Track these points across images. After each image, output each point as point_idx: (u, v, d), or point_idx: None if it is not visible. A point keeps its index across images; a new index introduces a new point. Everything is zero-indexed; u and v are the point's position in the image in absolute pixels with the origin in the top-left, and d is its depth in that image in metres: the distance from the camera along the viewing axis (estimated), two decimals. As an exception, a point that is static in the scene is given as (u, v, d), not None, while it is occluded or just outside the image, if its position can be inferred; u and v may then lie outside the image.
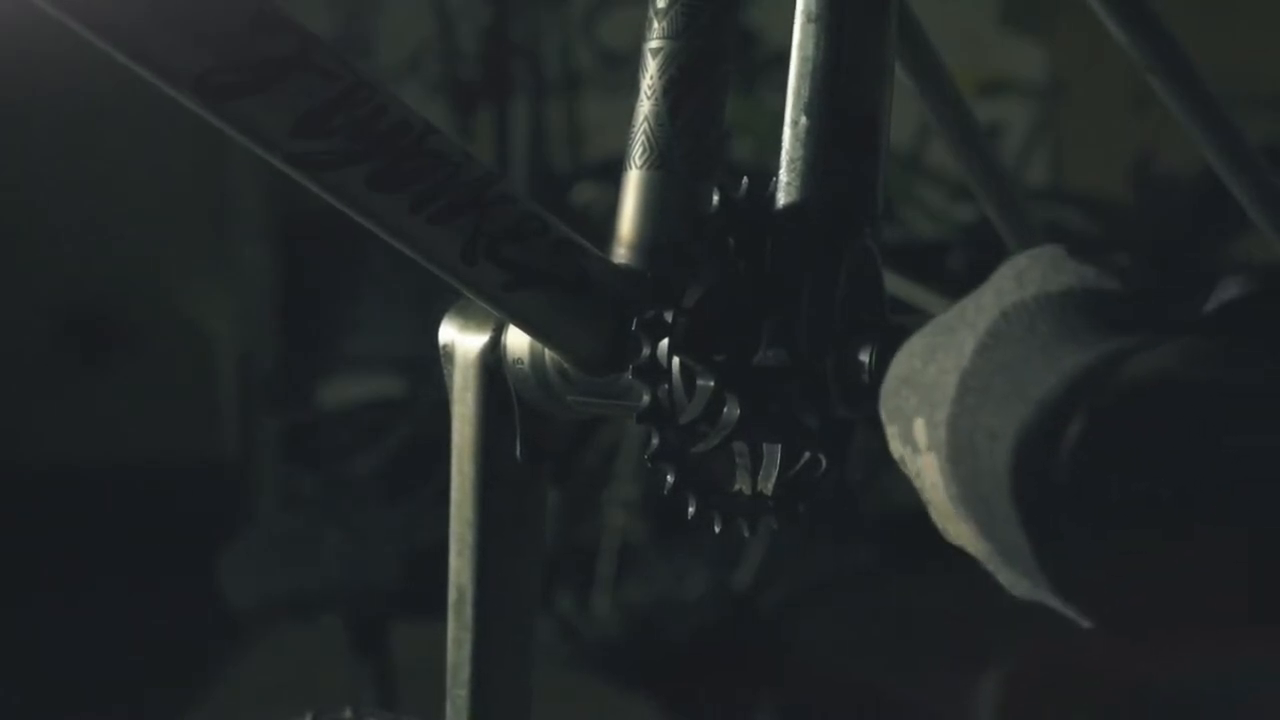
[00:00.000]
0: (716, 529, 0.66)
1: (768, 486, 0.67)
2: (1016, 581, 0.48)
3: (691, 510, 0.65)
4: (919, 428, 0.50)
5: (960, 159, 1.02)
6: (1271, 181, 0.96)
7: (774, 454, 0.67)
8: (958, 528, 0.49)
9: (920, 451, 0.50)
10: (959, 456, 0.48)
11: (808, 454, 0.68)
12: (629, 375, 0.63)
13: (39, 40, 0.80)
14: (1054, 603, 0.48)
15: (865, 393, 0.65)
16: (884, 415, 0.53)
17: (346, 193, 0.57)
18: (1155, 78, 0.92)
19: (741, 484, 0.67)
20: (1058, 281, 0.49)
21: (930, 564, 3.08)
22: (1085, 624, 0.48)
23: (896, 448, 0.52)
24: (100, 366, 3.53)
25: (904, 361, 0.52)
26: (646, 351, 0.63)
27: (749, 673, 2.62)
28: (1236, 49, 3.14)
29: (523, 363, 0.68)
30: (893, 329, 0.67)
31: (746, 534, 0.67)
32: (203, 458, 3.51)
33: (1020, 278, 0.50)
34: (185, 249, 3.57)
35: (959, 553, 0.52)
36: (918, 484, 0.51)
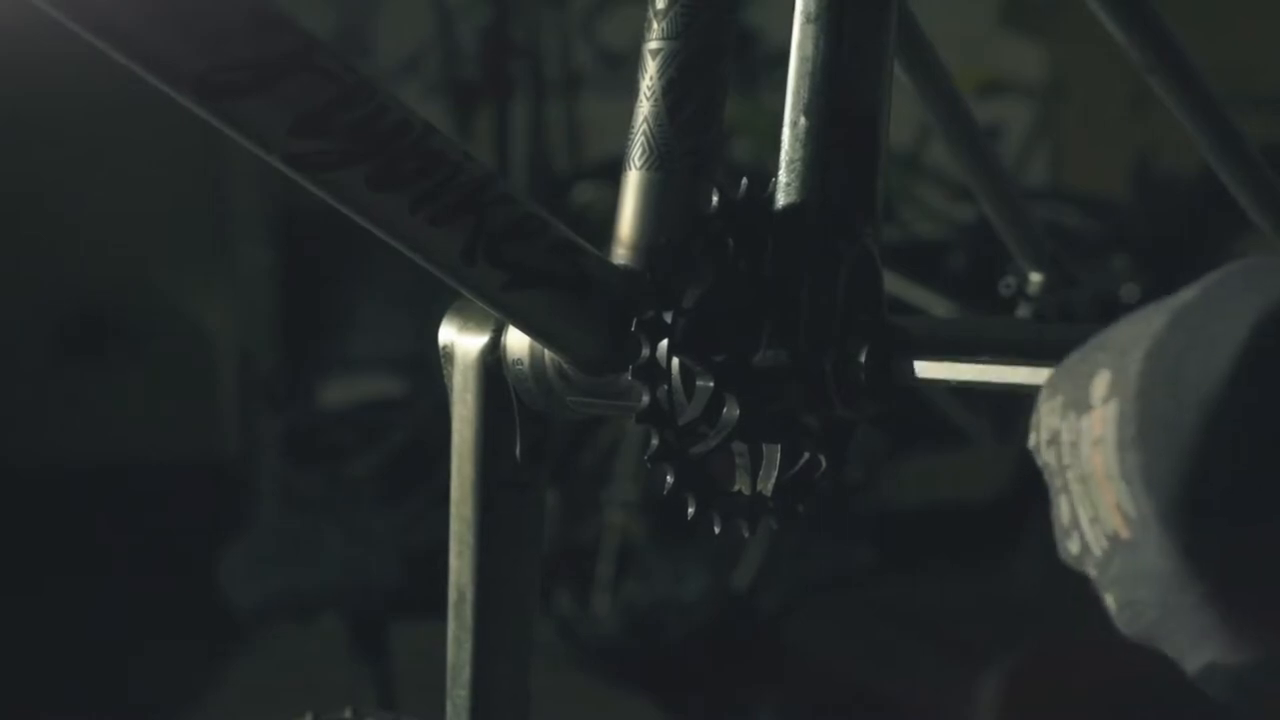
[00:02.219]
0: (716, 529, 0.66)
1: (767, 487, 0.67)
2: (1171, 549, 0.45)
3: (691, 510, 0.65)
4: (1100, 381, 0.47)
5: (960, 159, 1.02)
6: (1271, 181, 0.96)
7: (773, 454, 0.67)
8: (1116, 488, 0.46)
9: (1092, 409, 0.47)
10: (1156, 385, 0.45)
11: (807, 454, 0.68)
12: (629, 376, 0.63)
13: (39, 40, 0.80)
14: (1212, 569, 0.44)
15: (865, 393, 0.65)
16: (1045, 391, 0.50)
17: (346, 193, 0.57)
18: (1155, 78, 0.92)
19: (741, 484, 0.67)
20: (1257, 263, 0.46)
21: (929, 564, 3.08)
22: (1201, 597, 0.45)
23: (1051, 423, 0.49)
24: (100, 366, 3.53)
25: (1095, 337, 0.50)
26: (646, 352, 0.62)
27: (748, 673, 2.62)
28: (1236, 49, 3.14)
29: (522, 363, 0.68)
30: (892, 329, 0.67)
31: (746, 534, 0.67)
32: (203, 458, 3.51)
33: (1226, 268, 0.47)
34: (185, 249, 3.57)
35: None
36: (1070, 454, 0.48)
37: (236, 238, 3.63)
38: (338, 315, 3.75)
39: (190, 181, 3.51)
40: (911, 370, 0.64)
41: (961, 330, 0.94)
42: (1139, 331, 0.47)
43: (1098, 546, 0.48)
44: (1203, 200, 3.21)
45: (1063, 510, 0.49)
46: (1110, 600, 0.48)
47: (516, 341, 0.68)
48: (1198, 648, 0.46)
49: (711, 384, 0.64)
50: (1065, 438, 0.49)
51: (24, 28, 0.60)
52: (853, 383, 0.65)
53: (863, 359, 0.64)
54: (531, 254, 0.61)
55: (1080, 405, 0.48)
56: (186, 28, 0.52)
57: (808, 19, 0.67)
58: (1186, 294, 0.46)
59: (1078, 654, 2.33)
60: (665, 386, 0.63)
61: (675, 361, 0.63)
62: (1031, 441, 0.51)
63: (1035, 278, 1.09)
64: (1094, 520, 0.48)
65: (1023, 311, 1.08)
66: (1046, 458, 0.50)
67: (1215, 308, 0.45)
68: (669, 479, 0.64)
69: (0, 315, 3.47)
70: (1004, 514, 3.08)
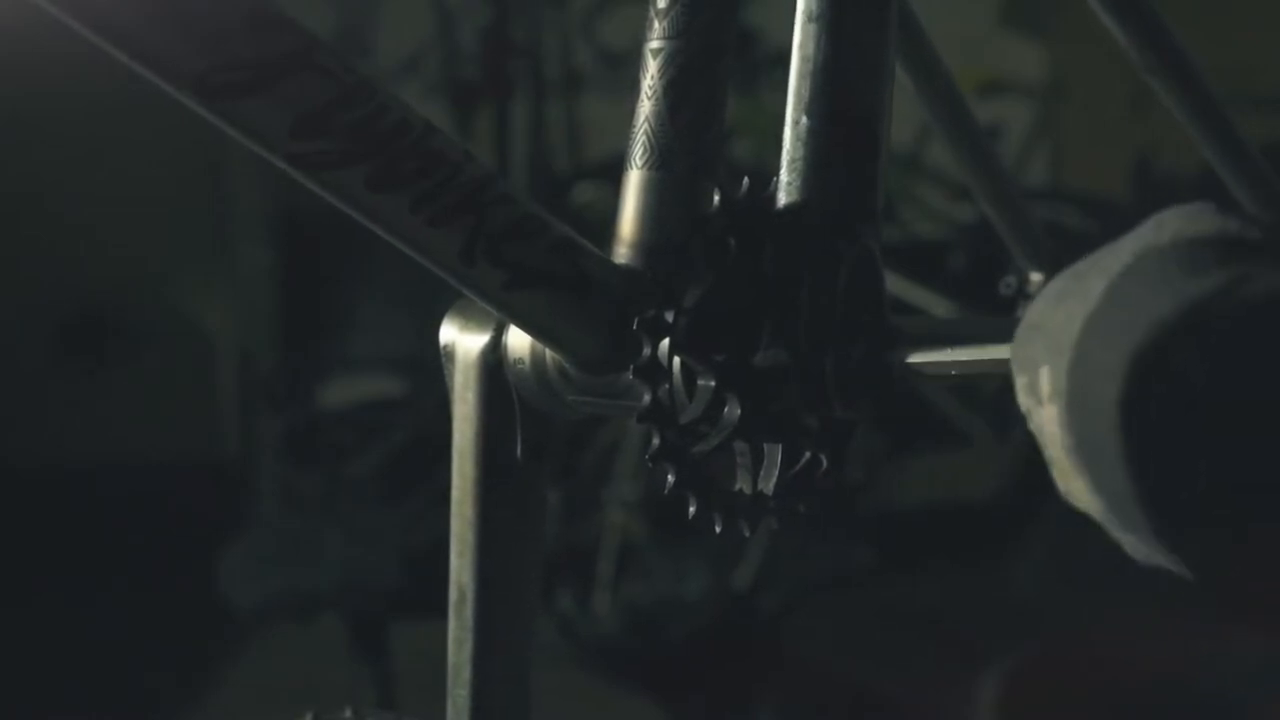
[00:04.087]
0: (717, 529, 0.66)
1: (768, 486, 0.67)
2: (1133, 543, 0.48)
3: (692, 510, 0.65)
4: (1044, 377, 0.49)
5: (960, 159, 1.02)
6: (1271, 181, 0.96)
7: (774, 454, 0.67)
8: (1076, 484, 0.48)
9: (1043, 403, 0.49)
10: (1076, 402, 0.47)
11: (808, 454, 0.68)
12: (629, 375, 0.63)
13: (39, 40, 0.80)
14: (1169, 562, 0.47)
15: (865, 392, 0.65)
16: (1014, 365, 0.52)
17: (346, 193, 0.57)
18: (1155, 78, 0.92)
19: (742, 484, 0.67)
20: (1196, 228, 0.48)
21: (930, 564, 3.08)
22: (1194, 582, 0.47)
23: (1024, 400, 0.51)
24: (100, 366, 3.53)
25: (1037, 308, 0.51)
26: (647, 351, 0.63)
27: (748, 672, 2.62)
28: (1236, 49, 3.14)
29: (523, 362, 0.68)
30: (892, 329, 0.67)
31: (747, 534, 0.67)
32: (203, 458, 3.51)
33: (1160, 225, 0.49)
34: (185, 249, 3.57)
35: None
36: (1040, 441, 0.50)
37: (236, 238, 3.63)
38: (338, 315, 3.75)
39: (190, 181, 3.51)
40: (912, 370, 0.64)
41: (962, 330, 0.94)
42: (1064, 331, 0.49)
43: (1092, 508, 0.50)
44: (1203, 200, 3.21)
45: (1055, 475, 0.51)
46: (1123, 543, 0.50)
47: (517, 341, 0.68)
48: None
49: (712, 383, 0.64)
50: (1033, 421, 0.50)
51: (24, 28, 0.60)
52: (853, 382, 0.65)
53: (863, 359, 0.64)
54: (532, 253, 0.61)
55: (1036, 396, 0.50)
56: (186, 28, 0.52)
57: (809, 18, 0.67)
58: (1106, 279, 0.48)
59: (1078, 654, 2.33)
60: (666, 386, 0.63)
61: (676, 361, 0.63)
62: (1019, 402, 0.53)
63: (1035, 278, 1.09)
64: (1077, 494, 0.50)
65: (1023, 311, 1.08)
66: (1031, 428, 0.51)
67: (1111, 321, 0.47)
68: (670, 478, 0.64)
69: (0, 315, 3.47)
70: (1004, 514, 3.09)
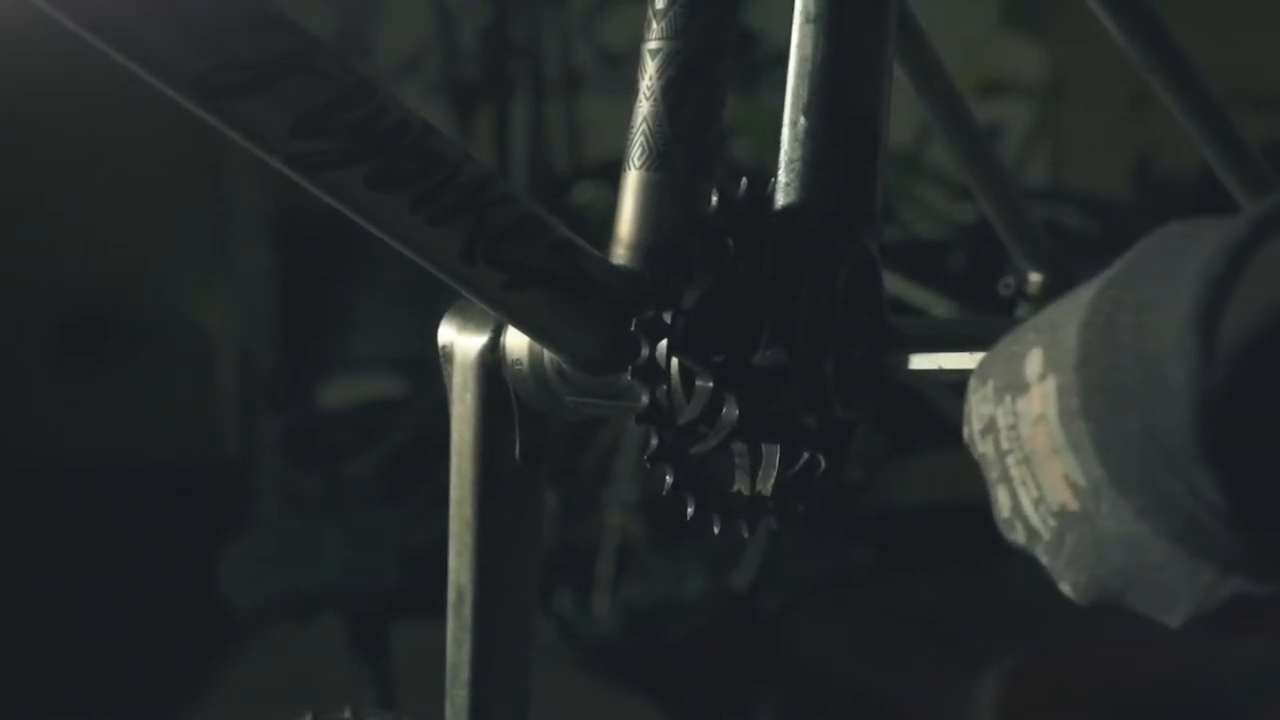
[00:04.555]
0: (716, 529, 0.66)
1: (767, 487, 0.67)
2: (1126, 512, 0.44)
3: (691, 510, 0.65)
4: (1034, 359, 0.47)
5: (960, 159, 1.02)
6: (1271, 181, 0.96)
7: (773, 454, 0.67)
8: (1063, 461, 0.45)
9: (1030, 386, 0.47)
10: (1095, 352, 0.44)
11: (807, 454, 0.68)
12: (628, 376, 0.63)
13: (39, 40, 0.80)
14: (1149, 528, 0.44)
15: (864, 393, 0.65)
16: (973, 382, 0.50)
17: (346, 193, 0.57)
18: (1155, 78, 0.92)
19: (740, 484, 0.67)
20: (1180, 227, 0.46)
21: (930, 564, 3.08)
22: (1239, 539, 0.43)
23: (984, 411, 0.49)
24: (100, 366, 3.53)
25: (1022, 325, 0.49)
26: (645, 352, 0.62)
27: (748, 673, 2.62)
28: (1236, 49, 3.14)
29: (522, 363, 0.68)
30: (891, 329, 0.67)
31: (745, 534, 0.67)
32: (203, 458, 3.51)
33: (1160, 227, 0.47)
34: (185, 249, 3.57)
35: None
36: (1009, 438, 0.47)
37: (236, 238, 3.63)
38: (338, 315, 3.75)
39: (190, 181, 3.51)
40: (911, 370, 0.64)
41: (961, 330, 0.94)
42: (1067, 308, 0.47)
43: (1046, 529, 0.47)
44: (1203, 200, 3.21)
45: (1002, 501, 0.49)
46: (1067, 583, 0.47)
47: (516, 341, 0.68)
48: (1173, 603, 0.45)
49: (711, 384, 0.64)
50: (1002, 422, 0.48)
51: (24, 28, 0.60)
52: (853, 383, 0.65)
53: (863, 359, 0.64)
54: (531, 254, 0.61)
55: (1015, 387, 0.48)
56: (186, 28, 0.52)
57: (807, 19, 0.67)
58: (1110, 269, 0.46)
59: (1078, 654, 2.33)
60: (665, 386, 0.63)
61: (675, 361, 0.63)
62: (965, 435, 0.50)
63: (1035, 278, 1.09)
64: (1038, 501, 0.47)
65: (1023, 311, 1.08)
66: (983, 449, 0.49)
67: (1143, 274, 0.45)
68: (668, 479, 0.64)
69: (0, 315, 3.47)
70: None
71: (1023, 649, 2.51)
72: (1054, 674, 2.39)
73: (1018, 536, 0.48)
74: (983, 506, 0.49)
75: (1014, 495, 0.48)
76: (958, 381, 0.63)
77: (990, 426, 0.49)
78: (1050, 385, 0.46)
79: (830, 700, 2.48)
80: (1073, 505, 0.46)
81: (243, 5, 0.53)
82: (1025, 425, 0.47)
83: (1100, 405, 0.44)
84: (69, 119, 3.28)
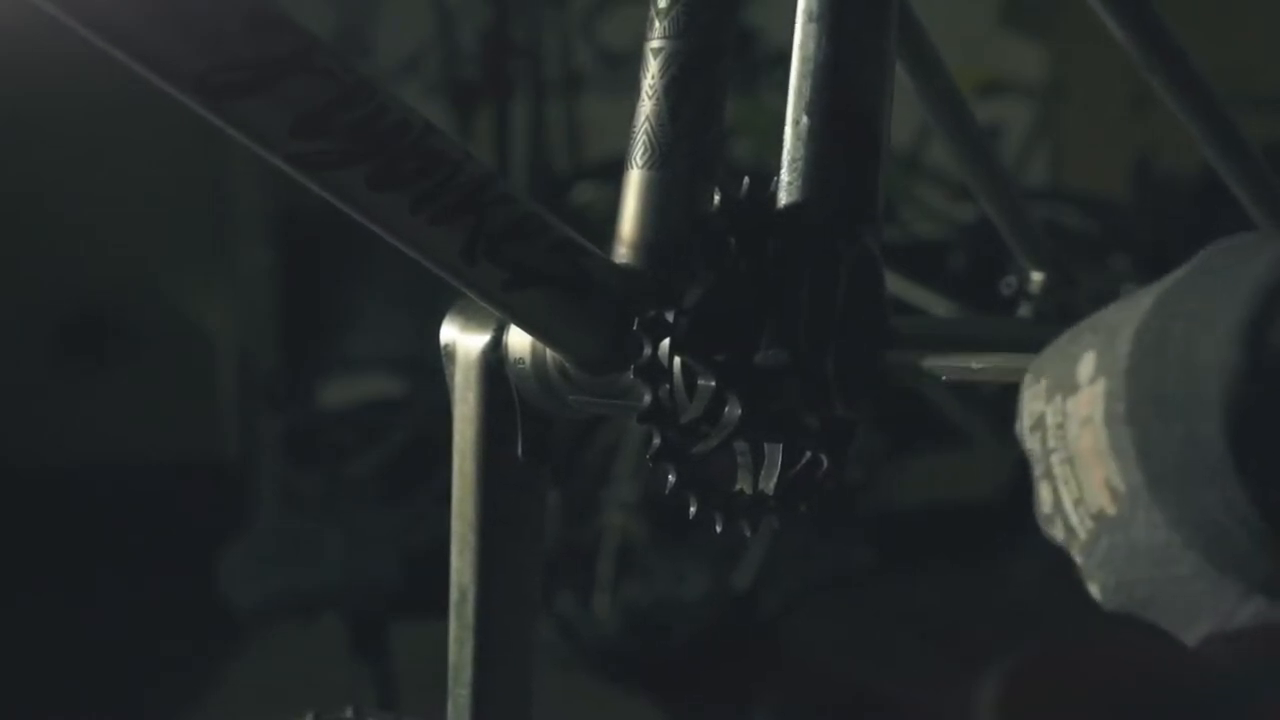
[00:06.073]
0: (717, 529, 0.65)
1: (769, 486, 0.67)
2: (1160, 520, 0.44)
3: (692, 510, 0.65)
4: (1087, 361, 0.47)
5: (960, 159, 1.02)
6: (1271, 181, 0.96)
7: (775, 454, 0.67)
8: (1105, 465, 0.46)
9: (1081, 388, 0.47)
10: (1146, 359, 0.45)
11: (808, 454, 0.68)
12: (630, 375, 0.63)
13: (39, 40, 0.80)
14: (1185, 538, 0.44)
15: (865, 392, 0.65)
16: (1028, 377, 0.50)
17: (346, 192, 0.57)
18: (1155, 78, 0.92)
19: (742, 484, 0.67)
20: (1243, 239, 0.46)
21: (930, 564, 3.08)
22: (1209, 566, 0.44)
23: (1035, 408, 0.49)
24: (100, 366, 3.53)
25: (1078, 325, 0.49)
26: (647, 351, 0.62)
27: (748, 673, 2.62)
28: (1236, 49, 3.14)
29: (524, 362, 0.68)
30: (892, 329, 0.67)
31: (747, 534, 0.67)
32: (203, 458, 3.51)
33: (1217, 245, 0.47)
34: (185, 249, 3.57)
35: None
36: (1056, 437, 0.48)
37: (236, 238, 3.63)
38: (338, 315, 3.75)
39: (190, 181, 3.51)
40: (912, 370, 0.64)
41: (962, 330, 0.94)
42: (1126, 313, 0.47)
43: (1083, 529, 0.48)
44: (1203, 200, 3.22)
45: (1044, 497, 0.49)
46: (1096, 585, 0.48)
47: (518, 340, 0.68)
48: (1194, 620, 0.45)
49: (713, 383, 0.64)
50: (1050, 420, 0.49)
51: (24, 28, 0.60)
52: (853, 382, 0.65)
53: (863, 359, 0.64)
54: (532, 253, 0.61)
55: (1067, 387, 0.48)
56: (186, 28, 0.52)
57: (809, 18, 0.67)
58: (1172, 276, 0.47)
59: (1078, 654, 2.33)
60: (667, 386, 0.63)
61: (677, 361, 0.63)
62: (1016, 429, 0.51)
63: (1035, 278, 1.09)
64: (1079, 502, 0.48)
65: (1023, 311, 1.08)
66: (1031, 444, 0.50)
67: (1201, 284, 0.45)
68: (670, 478, 0.64)
69: (0, 315, 3.47)
70: (1004, 514, 3.08)
71: (1023, 649, 2.51)
72: (1054, 674, 2.39)
73: (1056, 533, 0.49)
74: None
75: (1056, 493, 0.48)
76: (958, 381, 0.63)
77: (1039, 423, 0.49)
78: (1100, 388, 0.46)
79: (830, 700, 2.48)
80: (1110, 510, 0.46)
81: (243, 5, 0.53)
82: (1073, 425, 0.47)
83: (1145, 413, 0.45)
84: (69, 119, 3.28)
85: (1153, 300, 0.46)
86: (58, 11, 0.51)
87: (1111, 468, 0.46)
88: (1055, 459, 0.48)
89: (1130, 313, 0.47)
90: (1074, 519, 0.48)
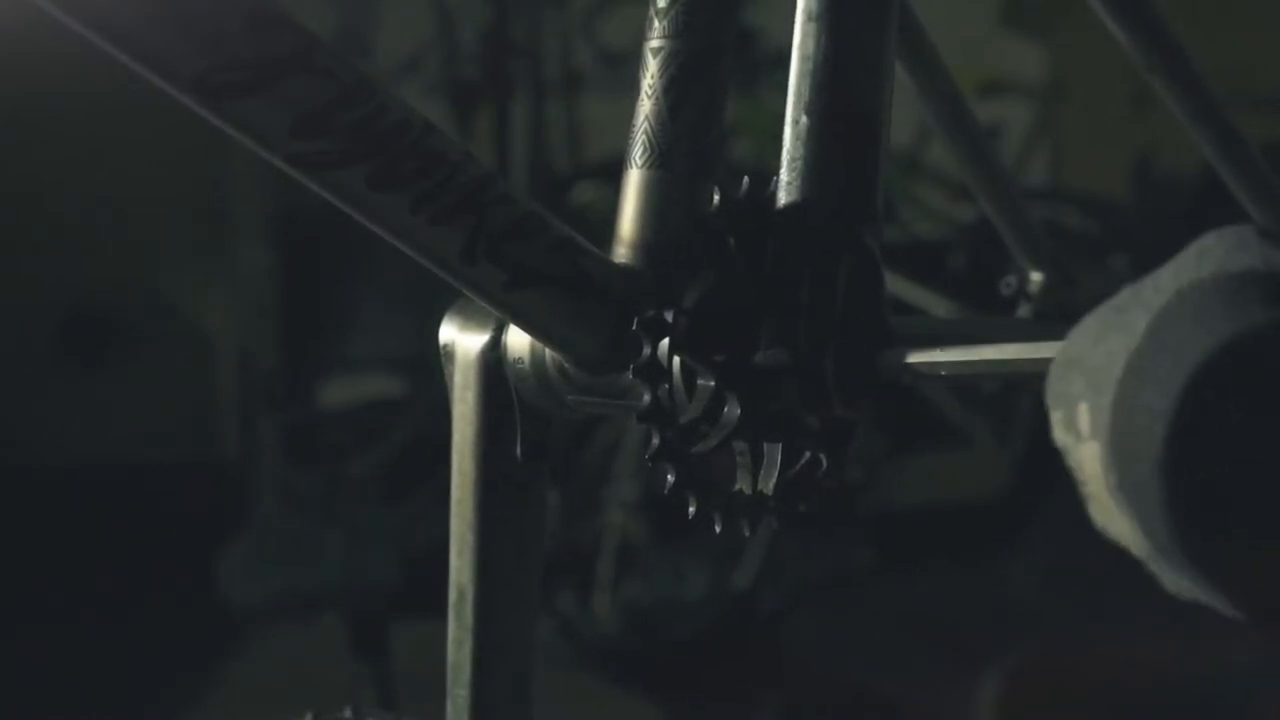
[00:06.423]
0: (717, 529, 0.65)
1: (768, 486, 0.67)
2: (1176, 582, 0.47)
3: (692, 510, 0.65)
4: (1083, 413, 0.48)
5: (960, 159, 1.02)
6: (1271, 181, 0.96)
7: (774, 454, 0.67)
8: (1118, 524, 0.47)
9: (1083, 439, 0.48)
10: (1121, 442, 0.46)
11: (808, 453, 0.68)
12: (629, 375, 0.63)
13: (39, 40, 0.80)
14: (1215, 602, 0.47)
15: (865, 392, 0.65)
16: (1049, 400, 0.51)
17: (346, 192, 0.57)
18: (1155, 78, 0.92)
19: (742, 484, 0.67)
20: (1239, 261, 0.47)
21: (929, 564, 3.08)
22: (1239, 618, 0.47)
23: (1060, 435, 0.50)
24: (100, 366, 3.53)
25: (1075, 342, 0.50)
26: (647, 351, 0.62)
27: (749, 673, 2.62)
28: (1236, 49, 3.14)
29: (523, 362, 0.68)
30: (892, 329, 0.67)
31: (747, 534, 0.67)
32: (203, 458, 3.51)
33: (1201, 256, 0.48)
34: (185, 249, 3.57)
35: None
36: (1079, 476, 0.49)
37: (236, 238, 3.63)
38: (338, 315, 3.75)
39: (190, 181, 3.51)
40: (912, 369, 0.64)
41: (962, 330, 0.94)
42: (1107, 362, 0.48)
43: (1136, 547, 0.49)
44: (1203, 200, 3.21)
45: (1093, 515, 0.50)
46: (1168, 584, 0.49)
47: (517, 340, 0.68)
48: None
49: (712, 383, 0.64)
50: (1072, 458, 0.50)
51: (24, 28, 0.60)
52: (853, 382, 0.65)
53: (863, 359, 0.64)
54: (532, 253, 0.61)
55: (1074, 431, 0.49)
56: (186, 28, 0.52)
57: (809, 17, 0.67)
58: (1153, 299, 0.47)
59: (1078, 654, 2.33)
60: (666, 385, 0.63)
61: (676, 360, 0.63)
62: (1052, 436, 0.52)
63: (1035, 278, 1.09)
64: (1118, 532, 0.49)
65: (1023, 311, 1.08)
66: (1068, 463, 0.51)
67: (1158, 355, 0.46)
68: (670, 478, 0.64)
69: (0, 315, 3.47)
70: (1004, 514, 3.08)
71: (1023, 649, 2.51)
72: (1054, 674, 2.39)
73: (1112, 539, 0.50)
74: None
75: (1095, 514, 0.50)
76: (958, 381, 0.63)
77: (1066, 453, 0.50)
78: (1095, 451, 0.48)
79: (830, 700, 2.48)
80: (1143, 553, 0.48)
81: (243, 5, 0.53)
82: (1087, 472, 0.49)
83: (1129, 490, 0.46)
84: (69, 119, 3.28)
85: (1124, 364, 0.47)
86: (58, 11, 0.51)
87: (1124, 529, 0.47)
88: (1087, 491, 0.49)
89: (1110, 364, 0.48)
90: (1125, 539, 0.49)
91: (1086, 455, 0.48)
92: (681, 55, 0.66)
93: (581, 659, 2.68)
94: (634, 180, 0.66)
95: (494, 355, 0.69)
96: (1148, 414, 0.45)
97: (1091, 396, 0.48)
